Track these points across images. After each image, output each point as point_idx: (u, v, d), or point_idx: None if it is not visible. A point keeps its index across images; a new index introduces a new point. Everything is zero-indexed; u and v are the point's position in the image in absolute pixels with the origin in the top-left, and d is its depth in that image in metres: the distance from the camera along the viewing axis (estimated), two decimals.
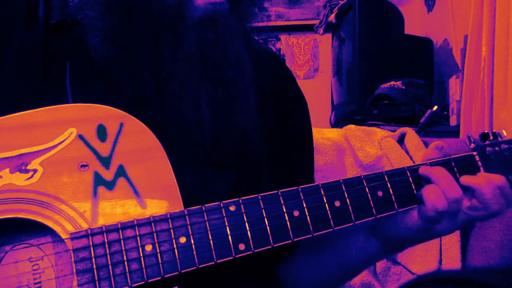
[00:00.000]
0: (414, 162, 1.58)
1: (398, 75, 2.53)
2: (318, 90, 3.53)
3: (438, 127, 2.33)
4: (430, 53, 2.84)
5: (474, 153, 0.89)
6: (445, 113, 2.47)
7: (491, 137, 0.91)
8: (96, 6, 0.79)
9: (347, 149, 1.64)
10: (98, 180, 0.69)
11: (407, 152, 1.63)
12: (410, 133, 1.68)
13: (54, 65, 0.80)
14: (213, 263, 0.69)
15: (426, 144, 1.64)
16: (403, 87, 2.47)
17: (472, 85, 2.13)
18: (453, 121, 2.38)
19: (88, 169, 0.69)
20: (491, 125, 2.02)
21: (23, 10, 0.81)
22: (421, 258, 1.47)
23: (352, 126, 1.75)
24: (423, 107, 2.40)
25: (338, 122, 2.83)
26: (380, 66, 2.69)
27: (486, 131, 0.91)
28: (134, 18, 0.78)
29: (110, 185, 0.69)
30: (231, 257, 0.70)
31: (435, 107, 2.35)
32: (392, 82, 2.51)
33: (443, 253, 1.46)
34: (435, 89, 2.77)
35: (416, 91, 2.48)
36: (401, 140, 1.68)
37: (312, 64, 3.92)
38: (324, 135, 1.64)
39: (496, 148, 0.89)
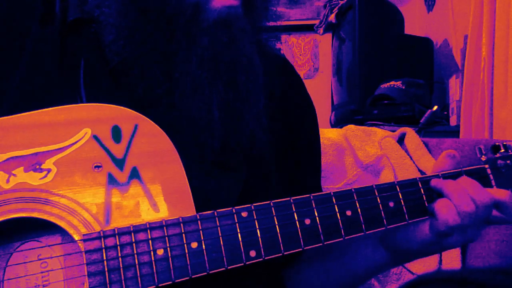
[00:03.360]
0: (414, 162, 1.58)
1: (398, 75, 2.54)
2: (318, 90, 3.53)
3: (438, 127, 2.34)
4: (430, 53, 2.85)
5: (486, 166, 0.88)
6: (445, 113, 2.48)
7: (502, 150, 0.90)
8: (114, 4, 0.79)
9: (347, 149, 1.64)
10: (112, 182, 0.68)
11: (407, 152, 1.62)
12: (410, 133, 1.67)
13: (69, 62, 0.80)
14: (223, 269, 0.69)
15: (426, 144, 1.64)
16: (403, 87, 2.48)
17: (472, 85, 2.13)
18: (453, 121, 2.39)
19: (102, 170, 0.69)
20: (491, 125, 2.03)
21: (39, 6, 0.81)
22: (421, 258, 1.47)
23: (352, 126, 1.75)
24: (423, 107, 2.40)
25: (338, 122, 2.84)
26: (380, 66, 2.70)
27: (497, 143, 0.90)
28: (150, 17, 0.78)
29: (123, 187, 0.69)
30: (242, 264, 0.70)
31: (435, 107, 2.36)
32: (392, 82, 2.52)
33: (443, 253, 1.46)
34: (435, 89, 2.78)
35: (416, 91, 2.49)
36: (401, 140, 1.68)
37: (312, 64, 3.92)
38: (324, 135, 1.64)
39: (508, 162, 0.88)
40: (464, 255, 1.45)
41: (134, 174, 0.69)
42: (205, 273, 0.68)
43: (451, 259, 1.45)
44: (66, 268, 0.68)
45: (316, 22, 3.58)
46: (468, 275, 1.42)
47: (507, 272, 1.41)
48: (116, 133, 0.70)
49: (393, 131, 1.77)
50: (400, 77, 2.51)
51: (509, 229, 1.43)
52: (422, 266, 1.46)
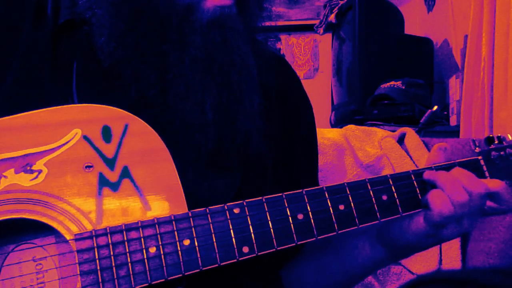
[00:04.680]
0: (414, 162, 1.58)
1: (398, 75, 2.54)
2: (318, 90, 3.53)
3: (438, 127, 2.33)
4: (430, 53, 2.84)
5: (479, 157, 0.88)
6: (445, 113, 2.48)
7: (496, 141, 0.90)
8: (105, 6, 0.79)
9: (347, 149, 1.64)
10: (103, 181, 0.69)
11: (407, 152, 1.62)
12: (410, 133, 1.68)
13: (61, 64, 0.80)
14: (216, 265, 0.69)
15: (426, 144, 1.64)
16: (403, 87, 2.47)
17: (472, 85, 2.13)
18: (453, 121, 2.39)
19: (93, 170, 0.69)
20: (491, 125, 2.02)
21: (32, 8, 0.81)
22: (421, 258, 1.47)
23: (352, 126, 1.75)
24: (423, 107, 2.40)
25: (338, 122, 2.84)
26: (380, 66, 2.69)
27: (491, 135, 0.90)
28: (142, 18, 0.78)
29: (114, 186, 0.69)
30: (235, 260, 0.70)
31: (435, 107, 2.36)
32: (392, 82, 2.51)
33: (443, 253, 1.46)
34: (435, 89, 2.77)
35: (416, 91, 2.49)
36: (401, 140, 1.68)
37: (312, 64, 3.93)
38: (324, 135, 1.64)
39: (501, 153, 0.88)
40: (464, 255, 1.46)
41: (125, 174, 0.70)
42: (198, 270, 0.68)
43: (451, 259, 1.45)
44: (60, 268, 0.68)
45: (316, 22, 3.59)
46: (468, 275, 1.42)
47: (507, 272, 1.40)
48: (107, 133, 0.70)
49: (393, 131, 1.77)
50: (400, 77, 2.51)
51: (510, 229, 1.43)
52: (422, 266, 1.46)
